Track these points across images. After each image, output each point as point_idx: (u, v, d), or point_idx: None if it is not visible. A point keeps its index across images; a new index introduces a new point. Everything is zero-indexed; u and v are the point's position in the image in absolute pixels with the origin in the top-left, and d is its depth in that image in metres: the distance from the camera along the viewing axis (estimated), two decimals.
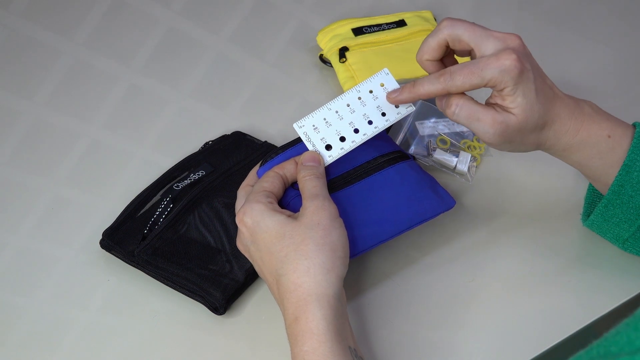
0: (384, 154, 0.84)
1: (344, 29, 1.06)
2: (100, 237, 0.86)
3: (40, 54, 1.09)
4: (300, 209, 0.76)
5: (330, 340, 0.68)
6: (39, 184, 0.95)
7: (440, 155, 0.94)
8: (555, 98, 0.79)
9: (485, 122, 0.76)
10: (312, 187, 0.76)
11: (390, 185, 0.83)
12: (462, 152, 0.94)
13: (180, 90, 1.05)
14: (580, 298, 0.83)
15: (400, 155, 0.85)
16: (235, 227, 0.85)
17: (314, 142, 0.80)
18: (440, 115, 0.97)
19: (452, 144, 0.95)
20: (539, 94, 0.76)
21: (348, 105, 0.81)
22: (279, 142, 0.96)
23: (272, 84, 1.07)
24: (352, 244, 0.78)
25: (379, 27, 1.07)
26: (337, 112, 0.81)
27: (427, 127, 0.96)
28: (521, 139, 0.78)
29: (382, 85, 0.82)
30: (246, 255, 0.78)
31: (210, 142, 0.96)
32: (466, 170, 0.93)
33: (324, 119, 0.80)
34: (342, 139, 0.80)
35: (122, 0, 1.15)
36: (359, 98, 0.81)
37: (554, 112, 0.78)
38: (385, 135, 0.87)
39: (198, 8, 1.15)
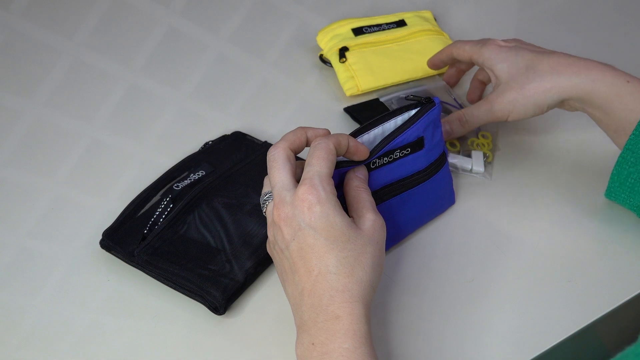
0: (433, 161, 0.83)
1: (344, 29, 1.06)
2: (100, 237, 0.86)
3: (40, 54, 1.09)
4: (356, 217, 0.75)
5: (369, 345, 0.70)
6: (39, 184, 0.95)
7: (454, 159, 0.93)
8: (550, 52, 0.87)
9: (487, 110, 0.89)
10: (371, 200, 0.76)
11: (427, 195, 0.84)
12: (473, 152, 0.94)
13: (180, 91, 1.05)
14: (580, 298, 0.83)
15: (442, 161, 0.85)
16: (236, 227, 0.85)
17: None
18: None
19: (461, 146, 0.95)
20: (521, 52, 0.88)
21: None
22: None
23: (272, 84, 1.07)
24: None
25: (379, 27, 1.07)
26: None
27: None
28: (523, 94, 0.86)
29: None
30: (286, 227, 0.72)
31: (210, 142, 0.96)
32: (482, 169, 0.93)
33: None
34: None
35: (122, 0, 1.15)
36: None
37: (551, 60, 0.85)
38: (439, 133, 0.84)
39: (198, 8, 1.15)
